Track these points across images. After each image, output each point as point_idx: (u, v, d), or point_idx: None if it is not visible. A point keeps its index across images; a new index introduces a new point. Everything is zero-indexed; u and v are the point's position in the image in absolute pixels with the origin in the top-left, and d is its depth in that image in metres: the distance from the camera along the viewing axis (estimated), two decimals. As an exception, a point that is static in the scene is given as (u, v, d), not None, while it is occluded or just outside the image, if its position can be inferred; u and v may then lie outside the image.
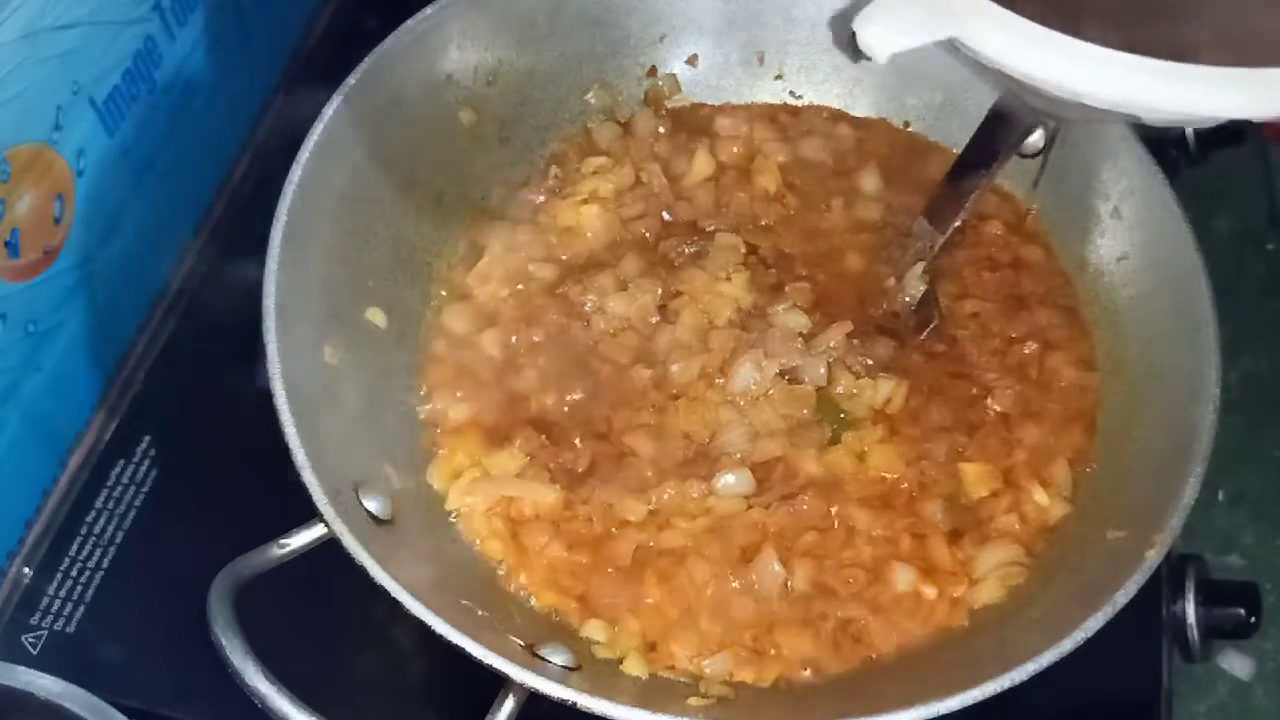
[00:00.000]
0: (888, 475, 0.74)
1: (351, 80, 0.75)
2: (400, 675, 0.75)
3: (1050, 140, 0.75)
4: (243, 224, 0.91)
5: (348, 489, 0.67)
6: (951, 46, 0.52)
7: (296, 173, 0.72)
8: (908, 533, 0.72)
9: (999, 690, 0.60)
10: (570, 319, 0.79)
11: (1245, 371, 1.05)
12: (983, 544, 0.72)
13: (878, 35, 0.51)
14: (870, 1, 0.51)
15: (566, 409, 0.76)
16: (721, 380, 0.76)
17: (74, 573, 0.77)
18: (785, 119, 0.89)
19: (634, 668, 0.68)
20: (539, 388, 0.77)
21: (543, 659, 0.65)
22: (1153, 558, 0.64)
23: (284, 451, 0.65)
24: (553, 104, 0.87)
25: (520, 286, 0.80)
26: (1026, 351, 0.78)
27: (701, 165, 0.85)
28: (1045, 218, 0.84)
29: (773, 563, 0.70)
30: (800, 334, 0.77)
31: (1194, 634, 0.77)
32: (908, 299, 0.80)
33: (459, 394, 0.77)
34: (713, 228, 0.83)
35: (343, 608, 0.72)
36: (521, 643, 0.65)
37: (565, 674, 0.65)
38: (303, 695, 0.59)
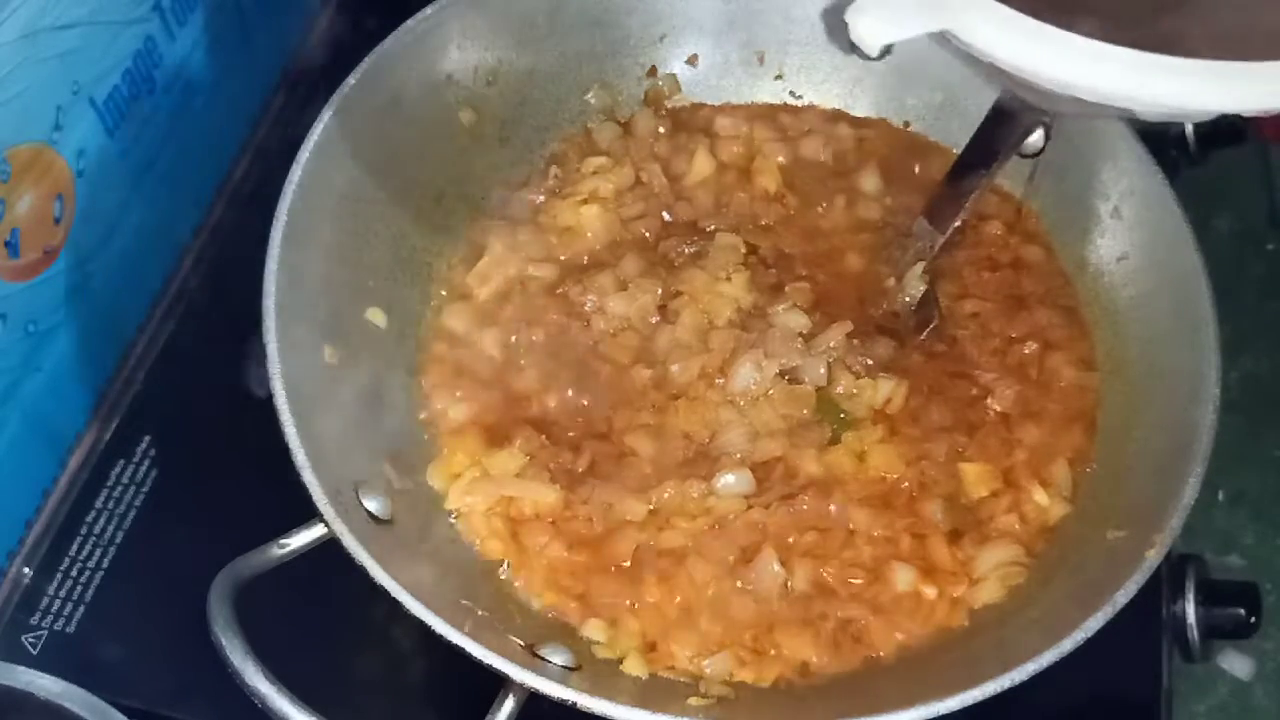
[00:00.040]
0: (888, 475, 0.74)
1: (351, 80, 0.75)
2: (400, 675, 0.75)
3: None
4: (243, 224, 0.91)
5: (348, 489, 0.67)
6: (944, 39, 0.52)
7: (296, 173, 0.72)
8: (908, 533, 0.72)
9: (999, 690, 0.60)
10: (570, 319, 0.79)
11: (1245, 371, 1.05)
12: (983, 544, 0.72)
13: (870, 27, 0.51)
14: None
15: (567, 409, 0.76)
16: (721, 380, 0.76)
17: (74, 573, 0.77)
18: (785, 119, 0.89)
19: (634, 668, 0.68)
20: (539, 388, 0.77)
21: (543, 659, 0.65)
22: (1153, 558, 0.64)
23: (284, 451, 0.65)
24: (553, 104, 0.87)
25: (520, 286, 0.80)
26: (1026, 351, 0.78)
27: (701, 165, 0.85)
28: (1045, 218, 0.84)
29: (773, 563, 0.70)
30: (800, 334, 0.77)
31: (1194, 634, 0.77)
32: (908, 299, 0.80)
33: (459, 394, 0.77)
34: (713, 228, 0.83)
35: (343, 608, 0.72)
36: (521, 643, 0.65)
37: (565, 674, 0.65)
38: (303, 695, 0.59)
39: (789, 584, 0.71)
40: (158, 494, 0.80)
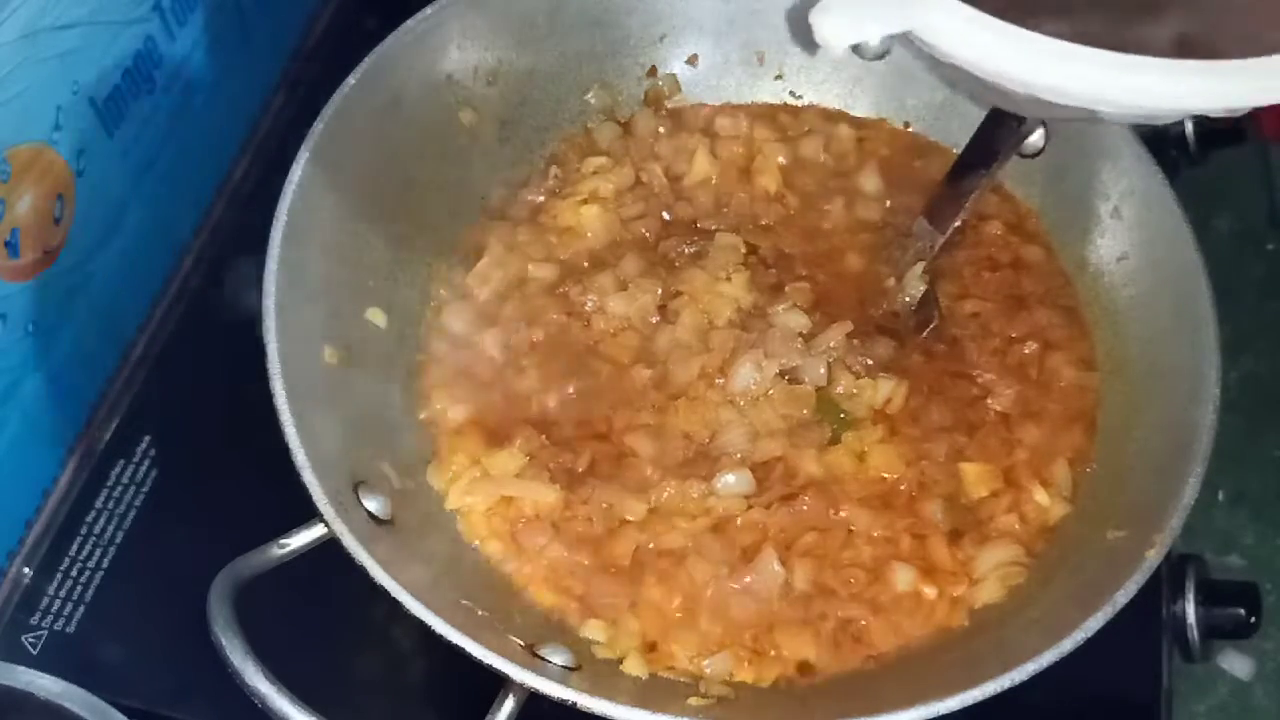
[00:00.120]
0: (888, 475, 0.74)
1: (351, 80, 0.75)
2: (400, 675, 0.75)
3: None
4: (243, 224, 0.91)
5: (348, 489, 0.67)
6: (907, 41, 0.52)
7: (296, 173, 0.72)
8: (908, 533, 0.72)
9: (999, 690, 0.60)
10: (570, 319, 0.79)
11: (1245, 371, 1.05)
12: (983, 544, 0.72)
13: (834, 28, 0.51)
14: None
15: (567, 409, 0.76)
16: (721, 380, 0.76)
17: (74, 573, 0.77)
18: (785, 119, 0.89)
19: (634, 668, 0.68)
20: (539, 388, 0.77)
21: (543, 659, 0.65)
22: (1153, 558, 0.64)
23: (284, 451, 0.65)
24: (553, 104, 0.87)
25: (520, 287, 0.80)
26: (1026, 351, 0.78)
27: (701, 165, 0.85)
28: (1045, 218, 0.84)
29: (773, 563, 0.70)
30: (800, 334, 0.77)
31: (1194, 634, 0.77)
32: (908, 299, 0.80)
33: (459, 394, 0.77)
34: (713, 228, 0.83)
35: (343, 608, 0.72)
36: (521, 643, 0.65)
37: (565, 674, 0.65)
38: (303, 695, 0.59)
39: (789, 584, 0.71)
40: (158, 494, 0.80)
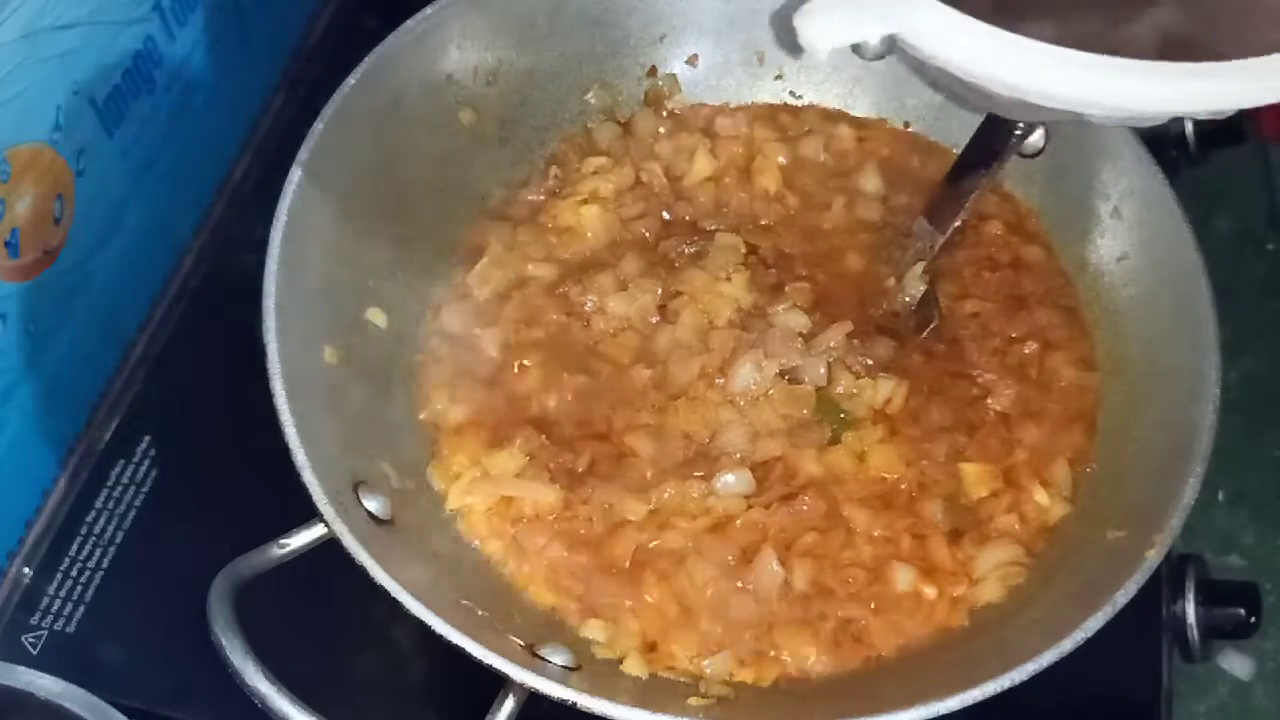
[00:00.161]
0: (888, 475, 0.74)
1: (351, 80, 0.75)
2: (400, 675, 0.75)
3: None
4: (243, 224, 0.91)
5: (348, 489, 0.67)
6: (892, 44, 0.51)
7: (296, 173, 0.72)
8: (908, 533, 0.72)
9: (999, 690, 0.60)
10: (570, 319, 0.79)
11: (1245, 371, 1.05)
12: (983, 544, 0.72)
13: (818, 31, 0.50)
14: None
15: (566, 409, 0.76)
16: (721, 380, 0.76)
17: (74, 573, 0.77)
18: (785, 119, 0.89)
19: (634, 668, 0.68)
20: (539, 388, 0.77)
21: (543, 659, 0.65)
22: (1153, 558, 0.64)
23: (284, 451, 0.65)
24: (553, 104, 0.87)
25: (520, 286, 0.80)
26: (1026, 351, 0.78)
27: (701, 165, 0.85)
28: (1045, 218, 0.84)
29: (772, 563, 0.70)
30: (800, 334, 0.77)
31: (1194, 634, 0.77)
32: (908, 299, 0.80)
33: (459, 394, 0.77)
34: (713, 228, 0.83)
35: (343, 608, 0.72)
36: (521, 643, 0.65)
37: (565, 674, 0.65)
38: (303, 695, 0.59)
39: (789, 584, 0.71)
40: (158, 494, 0.80)
